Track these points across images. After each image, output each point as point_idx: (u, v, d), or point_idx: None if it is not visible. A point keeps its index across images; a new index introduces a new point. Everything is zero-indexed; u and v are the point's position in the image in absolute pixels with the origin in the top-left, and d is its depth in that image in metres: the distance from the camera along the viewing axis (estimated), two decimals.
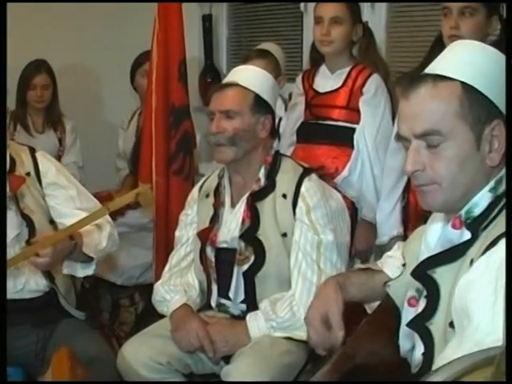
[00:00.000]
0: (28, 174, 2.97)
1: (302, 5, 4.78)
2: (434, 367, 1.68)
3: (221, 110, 2.81)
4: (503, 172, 1.73)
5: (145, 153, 3.99)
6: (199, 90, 5.50)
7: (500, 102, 1.72)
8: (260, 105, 2.84)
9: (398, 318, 1.93)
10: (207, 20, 5.43)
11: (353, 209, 3.50)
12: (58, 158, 4.60)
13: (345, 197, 3.36)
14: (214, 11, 5.48)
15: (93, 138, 5.23)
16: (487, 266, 1.58)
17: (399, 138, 1.81)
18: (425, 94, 1.73)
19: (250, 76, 2.90)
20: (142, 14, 4.72)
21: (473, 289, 1.58)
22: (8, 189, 2.90)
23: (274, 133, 2.97)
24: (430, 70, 1.79)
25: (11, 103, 4.39)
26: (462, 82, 1.72)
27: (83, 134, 4.97)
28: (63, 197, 3.01)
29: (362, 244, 3.52)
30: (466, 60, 1.76)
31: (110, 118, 5.55)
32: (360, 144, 3.48)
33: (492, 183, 1.73)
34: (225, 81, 2.96)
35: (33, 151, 3.06)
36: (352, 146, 3.50)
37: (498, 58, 1.78)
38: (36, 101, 4.66)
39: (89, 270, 2.97)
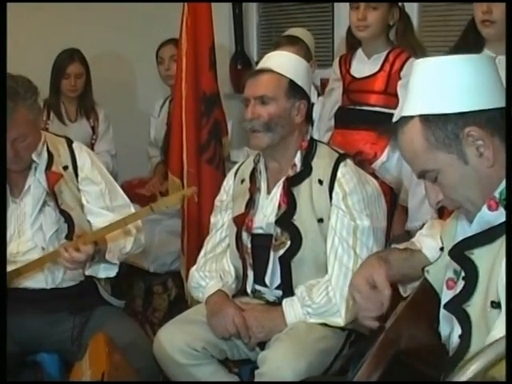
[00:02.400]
0: (66, 167, 2.99)
1: None
2: (473, 349, 1.68)
3: (255, 96, 2.82)
4: None
5: (174, 143, 3.96)
6: (230, 76, 5.49)
7: (468, 103, 1.74)
8: (294, 90, 2.84)
9: (437, 303, 1.92)
10: (237, 7, 5.41)
11: (391, 194, 3.50)
12: (91, 146, 4.63)
13: (383, 182, 3.38)
14: None
15: (125, 125, 5.23)
16: None
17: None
18: (400, 142, 1.83)
19: (284, 62, 2.89)
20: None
21: None
22: (46, 185, 2.92)
23: (310, 118, 2.96)
24: (396, 116, 1.86)
25: (45, 91, 4.42)
26: (420, 116, 1.76)
27: (115, 122, 4.98)
28: (94, 194, 3.03)
29: (400, 229, 3.50)
30: (423, 88, 1.80)
31: (142, 106, 5.56)
32: None
33: None
34: (259, 67, 2.96)
35: (70, 143, 3.08)
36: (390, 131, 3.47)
37: (452, 64, 1.79)
38: (69, 90, 4.66)
39: (111, 272, 3.00)
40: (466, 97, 1.74)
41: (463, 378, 1.07)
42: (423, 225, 3.19)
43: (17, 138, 2.77)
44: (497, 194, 1.74)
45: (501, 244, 1.69)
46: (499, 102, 1.75)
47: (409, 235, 3.28)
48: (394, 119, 1.83)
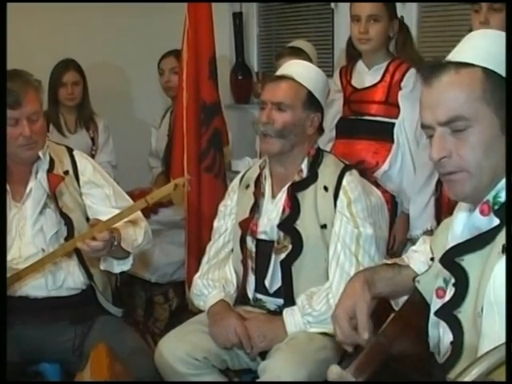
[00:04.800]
0: (66, 172, 3.02)
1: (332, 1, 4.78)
2: (465, 355, 1.70)
3: (273, 102, 2.84)
4: None
5: (176, 150, 4.03)
6: (230, 87, 5.52)
7: None
8: (311, 102, 2.87)
9: (425, 315, 1.92)
10: (238, 18, 5.44)
11: (392, 202, 3.53)
12: (92, 157, 4.61)
13: (385, 191, 3.42)
14: (245, 9, 5.50)
15: (125, 136, 5.25)
16: None
17: (423, 126, 1.82)
18: (447, 81, 1.74)
19: (305, 72, 2.92)
20: (172, 11, 4.73)
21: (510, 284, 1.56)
22: (47, 187, 2.94)
23: (321, 129, 2.98)
24: (450, 57, 1.79)
25: (44, 104, 4.44)
26: (484, 68, 1.73)
27: (115, 132, 4.98)
28: (99, 196, 3.05)
29: (402, 236, 3.53)
30: (486, 47, 1.77)
31: (142, 116, 5.58)
32: (400, 138, 3.50)
33: None
34: (279, 72, 2.96)
35: (70, 150, 3.11)
36: (392, 141, 3.52)
37: None
38: (67, 98, 4.67)
39: (125, 266, 3.00)
40: None
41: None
42: (424, 233, 3.26)
43: (31, 114, 2.84)
44: (490, 198, 1.73)
45: (490, 250, 1.69)
46: None
47: (411, 243, 3.31)
48: (450, 58, 1.77)
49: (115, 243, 2.78)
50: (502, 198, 1.72)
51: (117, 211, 2.88)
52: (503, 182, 1.73)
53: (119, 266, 2.99)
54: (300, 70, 2.90)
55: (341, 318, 2.08)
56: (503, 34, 1.83)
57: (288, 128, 2.81)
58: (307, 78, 2.87)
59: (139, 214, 2.99)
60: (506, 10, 2.73)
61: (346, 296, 2.12)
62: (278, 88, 2.85)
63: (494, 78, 1.72)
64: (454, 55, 1.80)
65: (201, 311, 2.99)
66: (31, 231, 2.93)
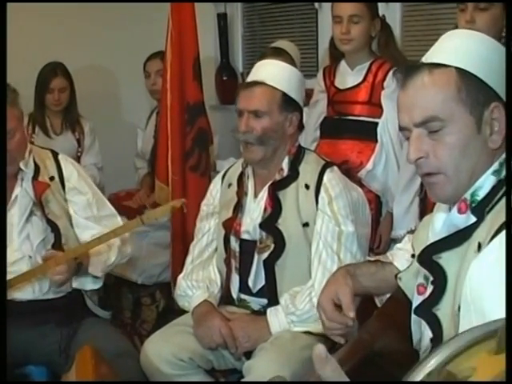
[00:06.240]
0: (52, 178, 3.02)
1: (316, 1, 4.79)
2: None
3: (249, 110, 2.82)
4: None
5: (161, 151, 4.04)
6: (215, 88, 5.52)
7: (497, 85, 1.74)
8: (288, 103, 2.85)
9: (408, 311, 1.92)
10: (222, 19, 5.45)
11: (377, 202, 3.55)
12: (77, 159, 4.62)
13: (369, 190, 3.45)
14: (229, 10, 5.49)
15: (111, 138, 5.25)
16: (499, 253, 1.56)
17: (400, 128, 1.83)
18: (421, 82, 1.75)
19: (278, 74, 2.88)
20: (157, 13, 4.74)
21: (487, 282, 1.57)
22: (33, 195, 2.94)
23: (301, 127, 2.97)
24: (425, 59, 1.80)
25: (29, 105, 4.43)
26: (458, 68, 1.73)
27: (101, 134, 4.98)
28: (81, 204, 3.05)
29: (387, 236, 3.54)
30: (461, 47, 1.78)
31: (128, 118, 5.59)
32: (384, 138, 3.50)
33: (496, 165, 1.74)
34: (251, 77, 2.93)
35: (56, 155, 3.10)
36: (376, 140, 3.52)
37: (492, 44, 1.80)
38: (54, 104, 4.66)
39: (97, 285, 3.03)
40: (501, 80, 1.75)
41: (421, 374, 1.09)
42: (408, 233, 3.26)
43: (7, 132, 2.80)
44: (468, 196, 1.74)
45: (467, 247, 1.70)
46: None
47: (395, 243, 3.32)
48: (424, 60, 1.78)
49: (79, 270, 2.84)
50: (480, 196, 1.73)
51: (95, 226, 2.95)
52: (481, 180, 1.73)
53: (91, 284, 3.01)
54: (271, 72, 2.87)
55: (324, 302, 2.09)
56: (479, 34, 1.84)
57: (268, 134, 2.80)
58: (280, 80, 2.84)
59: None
60: (506, 10, 2.74)
61: (328, 284, 2.15)
62: (251, 95, 2.82)
63: (468, 77, 1.72)
64: (429, 56, 1.81)
65: (186, 311, 2.99)
66: (18, 239, 2.93)
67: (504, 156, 1.74)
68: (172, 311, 3.92)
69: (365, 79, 3.57)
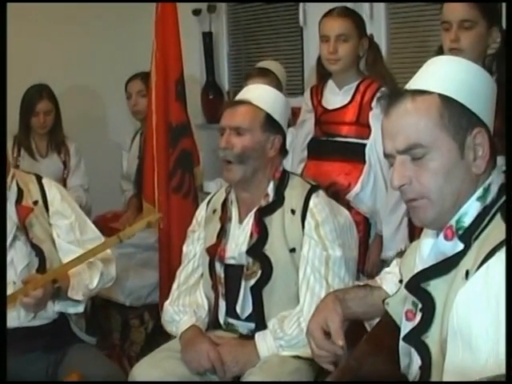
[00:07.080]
0: (36, 202, 3.00)
1: (301, 19, 4.79)
2: (434, 379, 1.70)
3: (231, 126, 2.82)
4: (490, 179, 1.75)
5: (147, 171, 4.04)
6: (202, 107, 5.51)
7: (481, 110, 1.75)
8: (271, 124, 2.84)
9: (397, 336, 1.92)
10: (207, 37, 5.44)
11: (365, 224, 3.52)
12: (63, 180, 4.62)
13: (357, 212, 3.42)
14: (214, 28, 5.49)
15: (97, 159, 5.23)
16: (486, 281, 1.57)
17: (385, 155, 1.84)
18: (404, 109, 1.76)
19: (263, 95, 2.90)
20: (142, 33, 4.73)
21: (474, 310, 1.58)
22: (16, 219, 2.91)
23: (284, 151, 2.95)
24: (408, 86, 1.81)
25: (14, 127, 4.41)
26: (440, 95, 1.74)
27: (88, 155, 4.97)
28: (64, 227, 3.03)
29: (376, 258, 3.51)
30: (443, 73, 1.79)
31: (115, 138, 5.55)
32: (372, 159, 3.46)
33: (480, 191, 1.74)
34: (237, 98, 2.96)
35: (39, 179, 3.09)
36: (364, 161, 3.48)
37: (476, 70, 1.82)
38: (39, 126, 4.65)
39: (79, 308, 2.99)
40: (485, 105, 1.76)
41: None
42: (398, 254, 3.24)
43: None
44: (453, 223, 1.74)
45: (455, 275, 1.70)
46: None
47: (385, 264, 3.30)
48: (407, 87, 1.79)
49: (58, 294, 2.81)
50: (466, 222, 1.73)
51: (78, 250, 2.90)
52: (466, 206, 1.74)
53: (73, 308, 2.98)
54: (257, 93, 2.89)
55: (313, 329, 2.09)
56: (462, 60, 1.86)
57: (247, 152, 2.79)
58: (265, 101, 2.85)
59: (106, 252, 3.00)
60: (506, 10, 2.73)
61: (317, 311, 2.15)
62: (235, 113, 2.83)
63: (451, 103, 1.73)
64: (412, 83, 1.82)
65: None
66: None
67: (489, 181, 1.75)
68: (161, 333, 3.88)
69: (353, 99, 3.53)
